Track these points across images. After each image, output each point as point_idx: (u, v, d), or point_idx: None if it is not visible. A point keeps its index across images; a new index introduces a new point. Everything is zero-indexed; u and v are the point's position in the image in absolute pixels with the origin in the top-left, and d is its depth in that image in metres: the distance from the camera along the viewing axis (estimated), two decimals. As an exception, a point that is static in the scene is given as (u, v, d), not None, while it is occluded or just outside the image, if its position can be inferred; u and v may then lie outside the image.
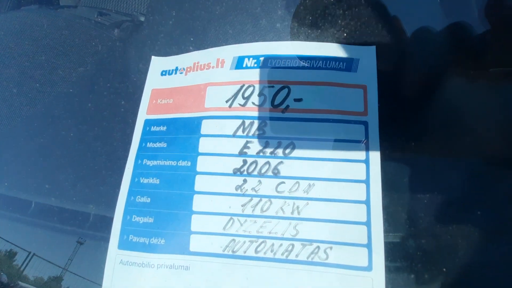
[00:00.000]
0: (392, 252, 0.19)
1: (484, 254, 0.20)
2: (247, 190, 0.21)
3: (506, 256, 0.19)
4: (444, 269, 0.19)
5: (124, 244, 0.21)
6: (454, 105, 0.22)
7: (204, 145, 0.22)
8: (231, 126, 0.22)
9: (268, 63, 0.22)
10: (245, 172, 0.21)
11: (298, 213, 0.20)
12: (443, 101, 0.22)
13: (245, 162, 0.21)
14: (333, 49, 0.22)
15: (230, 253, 0.20)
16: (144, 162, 0.23)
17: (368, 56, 0.22)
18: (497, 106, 0.21)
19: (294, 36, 0.24)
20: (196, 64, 0.24)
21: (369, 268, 0.19)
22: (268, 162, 0.21)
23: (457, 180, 0.21)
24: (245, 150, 0.21)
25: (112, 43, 0.32)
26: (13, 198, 0.26)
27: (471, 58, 0.22)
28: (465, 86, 0.22)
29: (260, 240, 0.20)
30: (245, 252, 0.20)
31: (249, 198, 0.20)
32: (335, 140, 0.21)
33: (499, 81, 0.21)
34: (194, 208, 0.21)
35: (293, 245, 0.20)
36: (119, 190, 0.22)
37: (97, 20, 0.38)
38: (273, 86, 0.22)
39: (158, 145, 0.23)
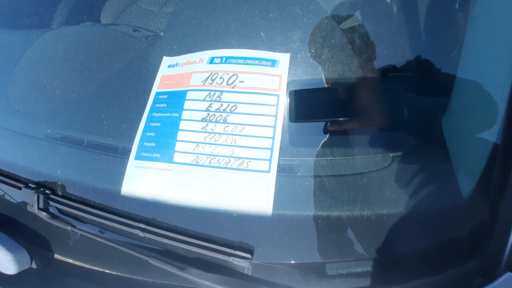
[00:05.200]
0: (282, 165, 0.35)
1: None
2: (208, 129, 0.37)
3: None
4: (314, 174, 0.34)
5: (138, 157, 0.38)
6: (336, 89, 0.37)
7: (187, 104, 0.38)
8: (203, 95, 0.38)
9: (227, 61, 0.39)
10: (207, 120, 0.37)
11: (234, 142, 0.36)
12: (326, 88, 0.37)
13: (208, 114, 0.37)
14: (266, 54, 0.39)
15: (195, 163, 0.36)
16: (153, 114, 0.39)
17: (284, 59, 0.38)
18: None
19: (247, 46, 0.40)
20: (188, 61, 0.41)
21: (268, 171, 0.34)
22: (221, 115, 0.37)
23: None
24: (209, 108, 0.37)
25: (141, 49, 0.50)
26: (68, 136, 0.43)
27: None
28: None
29: (212, 157, 0.36)
30: (203, 163, 0.36)
31: (208, 134, 0.36)
32: (260, 104, 0.36)
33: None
34: (178, 138, 0.37)
35: (229, 160, 0.35)
36: (137, 129, 0.39)
37: (132, 34, 0.57)
38: (228, 74, 0.38)
39: (162, 105, 0.40)
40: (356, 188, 0.32)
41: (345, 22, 0.39)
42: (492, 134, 0.30)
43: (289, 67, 0.38)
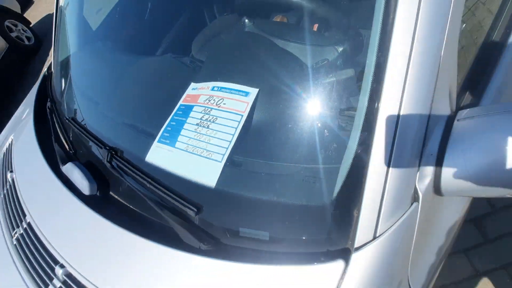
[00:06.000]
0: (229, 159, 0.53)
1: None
2: (197, 131, 0.58)
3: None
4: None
5: (159, 141, 0.62)
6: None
7: (192, 114, 0.61)
8: (201, 109, 0.60)
9: (221, 89, 0.60)
10: (199, 125, 0.58)
11: (209, 141, 0.56)
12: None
13: (200, 121, 0.59)
14: (244, 88, 0.58)
15: (185, 150, 0.58)
16: (174, 117, 0.64)
17: (254, 92, 0.57)
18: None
19: (235, 81, 0.60)
20: (201, 87, 0.64)
21: (220, 161, 0.53)
22: (206, 123, 0.58)
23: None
24: (201, 118, 0.59)
25: (185, 76, 0.77)
26: (128, 124, 0.71)
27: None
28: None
29: (195, 147, 0.57)
30: (190, 150, 0.57)
31: (197, 133, 0.58)
32: (230, 119, 0.56)
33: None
34: (181, 133, 0.60)
35: (203, 151, 0.56)
36: (163, 125, 0.64)
37: (188, 64, 0.84)
38: (218, 97, 0.59)
39: (180, 112, 0.63)
40: (262, 182, 0.48)
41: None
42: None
43: (255, 98, 0.56)
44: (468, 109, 0.42)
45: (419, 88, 0.38)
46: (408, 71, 0.36)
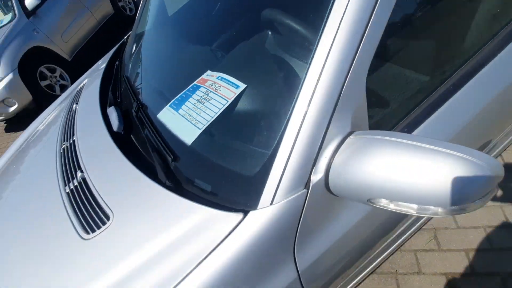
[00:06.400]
0: (206, 130, 0.71)
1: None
2: (196, 105, 0.77)
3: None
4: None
5: (171, 106, 0.83)
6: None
7: (197, 92, 0.80)
8: (205, 90, 0.79)
9: (222, 79, 0.78)
10: (198, 101, 0.77)
11: (200, 113, 0.74)
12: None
13: (200, 99, 0.77)
14: (237, 82, 0.75)
15: (184, 116, 0.77)
16: (186, 91, 0.84)
17: (242, 86, 0.73)
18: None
19: (233, 75, 0.78)
20: (211, 74, 0.83)
21: (200, 129, 0.71)
22: (203, 101, 0.76)
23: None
24: (202, 97, 0.78)
25: (207, 63, 0.97)
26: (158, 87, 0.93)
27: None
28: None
29: (190, 115, 0.76)
30: (186, 117, 0.77)
31: (195, 107, 0.77)
32: (219, 102, 0.74)
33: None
34: (185, 104, 0.79)
35: (195, 120, 0.74)
36: (177, 95, 0.84)
37: (215, 55, 1.04)
38: (217, 84, 0.77)
39: (190, 89, 0.83)
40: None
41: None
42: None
43: (242, 90, 0.73)
44: (364, 130, 0.52)
45: (325, 105, 0.50)
46: (316, 88, 0.49)
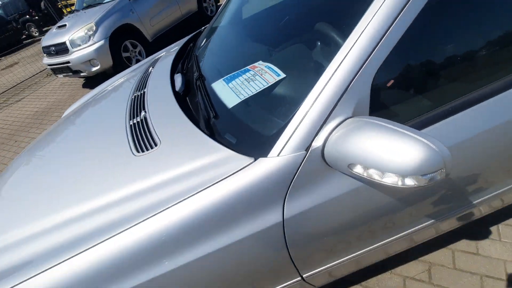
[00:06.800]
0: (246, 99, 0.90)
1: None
2: (241, 84, 0.97)
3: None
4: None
5: (224, 80, 1.04)
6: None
7: (245, 74, 1.00)
8: (253, 73, 0.99)
9: (267, 67, 0.97)
10: (245, 79, 0.97)
11: (248, 89, 0.94)
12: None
13: (247, 78, 0.98)
14: (279, 71, 0.94)
15: (233, 89, 0.98)
16: (238, 71, 1.05)
17: (283, 75, 0.92)
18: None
19: (278, 66, 0.96)
20: (259, 63, 1.03)
21: (240, 99, 0.90)
22: (249, 81, 0.96)
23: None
24: (249, 77, 0.98)
25: (265, 55, 1.17)
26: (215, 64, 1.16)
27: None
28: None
29: (238, 87, 0.96)
30: (233, 89, 0.97)
31: (242, 84, 0.97)
32: (263, 81, 0.93)
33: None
34: (232, 80, 1.00)
35: (240, 90, 0.94)
36: (229, 74, 1.06)
37: (268, 49, 1.25)
38: (264, 70, 0.97)
39: (241, 71, 1.04)
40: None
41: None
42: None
43: (281, 78, 0.91)
44: (362, 115, 0.66)
45: (335, 92, 0.65)
46: (331, 80, 0.65)
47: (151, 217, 0.72)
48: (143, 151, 0.91)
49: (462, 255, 1.29)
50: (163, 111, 1.06)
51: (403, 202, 0.78)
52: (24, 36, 12.56)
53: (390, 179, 0.58)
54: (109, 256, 0.71)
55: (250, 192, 0.70)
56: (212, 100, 0.99)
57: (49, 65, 4.29)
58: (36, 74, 6.64)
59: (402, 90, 0.71)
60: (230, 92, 0.97)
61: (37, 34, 12.73)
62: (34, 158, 1.23)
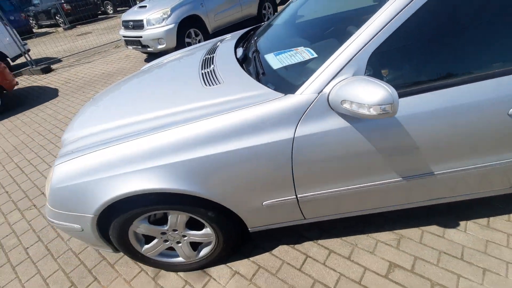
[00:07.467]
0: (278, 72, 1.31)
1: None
2: (285, 58, 1.38)
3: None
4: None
5: (275, 54, 1.46)
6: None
7: (284, 53, 1.41)
8: (292, 53, 1.39)
9: (306, 49, 1.37)
10: (286, 53, 1.38)
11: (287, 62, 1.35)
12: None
13: (290, 54, 1.38)
14: (313, 51, 1.33)
15: (281, 63, 1.39)
16: (281, 49, 1.46)
17: (314, 54, 1.31)
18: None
19: (312, 47, 1.36)
20: (301, 48, 1.43)
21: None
22: (289, 58, 1.37)
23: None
24: (288, 55, 1.38)
25: (311, 37, 1.58)
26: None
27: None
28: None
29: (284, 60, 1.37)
30: (283, 61, 1.38)
31: (286, 56, 1.38)
32: (298, 57, 1.33)
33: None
34: (273, 57, 1.41)
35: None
36: (283, 50, 1.47)
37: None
38: (299, 51, 1.37)
39: (282, 50, 1.45)
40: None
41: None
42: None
43: (313, 57, 1.30)
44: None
45: (343, 61, 1.04)
46: (341, 54, 1.04)
47: (210, 118, 1.14)
48: (210, 85, 1.35)
49: (429, 235, 1.57)
50: (227, 66, 1.50)
51: (377, 150, 1.13)
52: (99, 12, 14.15)
53: (364, 110, 0.95)
54: (182, 135, 1.14)
55: (277, 113, 1.09)
56: (263, 63, 1.41)
57: (124, 36, 5.04)
58: (106, 44, 7.61)
59: (388, 67, 1.08)
60: (277, 61, 1.38)
61: (111, 12, 14.30)
62: (130, 84, 1.73)
